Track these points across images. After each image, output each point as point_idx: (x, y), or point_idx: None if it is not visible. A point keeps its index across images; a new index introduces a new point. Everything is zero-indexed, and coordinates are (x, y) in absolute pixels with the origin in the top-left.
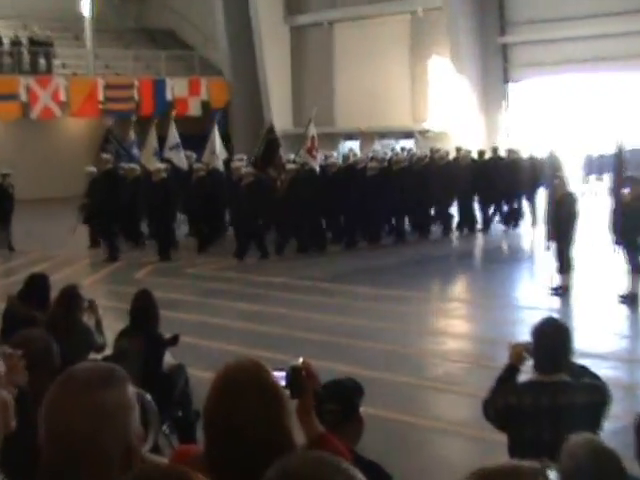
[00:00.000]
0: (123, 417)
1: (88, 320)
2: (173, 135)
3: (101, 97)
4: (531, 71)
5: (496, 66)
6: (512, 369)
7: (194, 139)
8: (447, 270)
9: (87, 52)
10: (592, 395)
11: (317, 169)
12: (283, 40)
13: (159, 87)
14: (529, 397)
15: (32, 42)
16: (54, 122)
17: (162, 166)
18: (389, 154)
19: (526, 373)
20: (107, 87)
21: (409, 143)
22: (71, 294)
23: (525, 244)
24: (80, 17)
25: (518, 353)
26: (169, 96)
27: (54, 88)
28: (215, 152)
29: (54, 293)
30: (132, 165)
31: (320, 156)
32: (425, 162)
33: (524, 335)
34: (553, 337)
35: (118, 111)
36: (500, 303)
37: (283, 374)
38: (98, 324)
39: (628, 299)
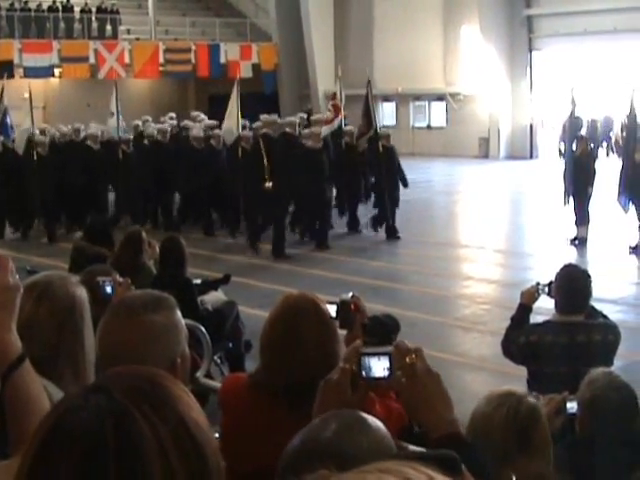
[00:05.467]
0: (169, 338)
1: (148, 261)
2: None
3: (161, 60)
4: (553, 41)
5: (521, 36)
6: (524, 308)
7: (244, 98)
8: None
9: (149, 19)
10: (606, 334)
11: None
12: (327, 8)
13: (214, 51)
14: (549, 335)
15: (100, 10)
16: (118, 82)
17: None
18: None
19: (546, 315)
20: (167, 51)
21: (441, 105)
22: (136, 237)
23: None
24: None
25: (530, 293)
26: (223, 59)
27: (119, 52)
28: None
29: None
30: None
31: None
32: None
33: (542, 280)
34: (574, 281)
35: (177, 72)
36: (520, 251)
37: (334, 307)
38: (156, 264)
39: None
